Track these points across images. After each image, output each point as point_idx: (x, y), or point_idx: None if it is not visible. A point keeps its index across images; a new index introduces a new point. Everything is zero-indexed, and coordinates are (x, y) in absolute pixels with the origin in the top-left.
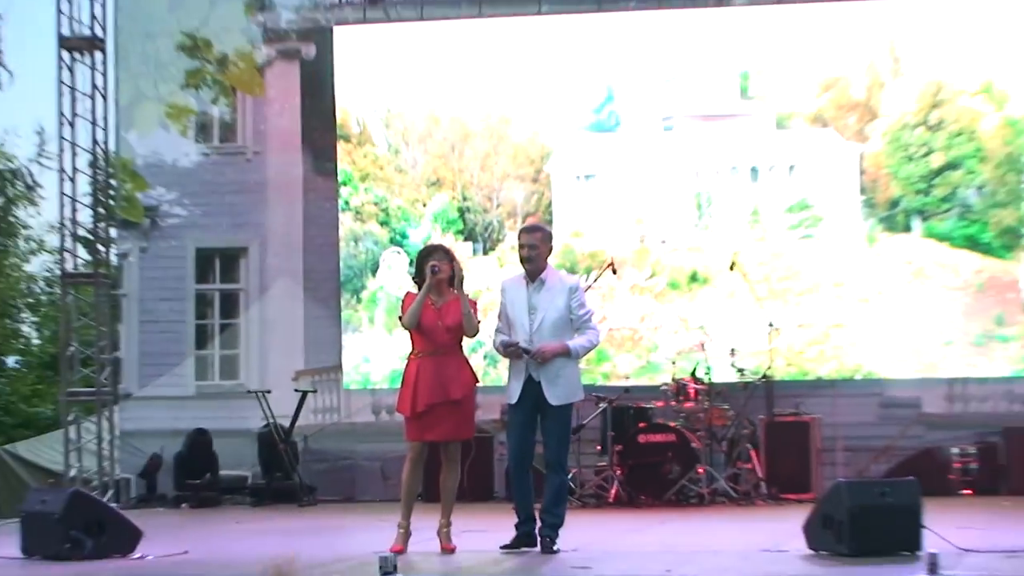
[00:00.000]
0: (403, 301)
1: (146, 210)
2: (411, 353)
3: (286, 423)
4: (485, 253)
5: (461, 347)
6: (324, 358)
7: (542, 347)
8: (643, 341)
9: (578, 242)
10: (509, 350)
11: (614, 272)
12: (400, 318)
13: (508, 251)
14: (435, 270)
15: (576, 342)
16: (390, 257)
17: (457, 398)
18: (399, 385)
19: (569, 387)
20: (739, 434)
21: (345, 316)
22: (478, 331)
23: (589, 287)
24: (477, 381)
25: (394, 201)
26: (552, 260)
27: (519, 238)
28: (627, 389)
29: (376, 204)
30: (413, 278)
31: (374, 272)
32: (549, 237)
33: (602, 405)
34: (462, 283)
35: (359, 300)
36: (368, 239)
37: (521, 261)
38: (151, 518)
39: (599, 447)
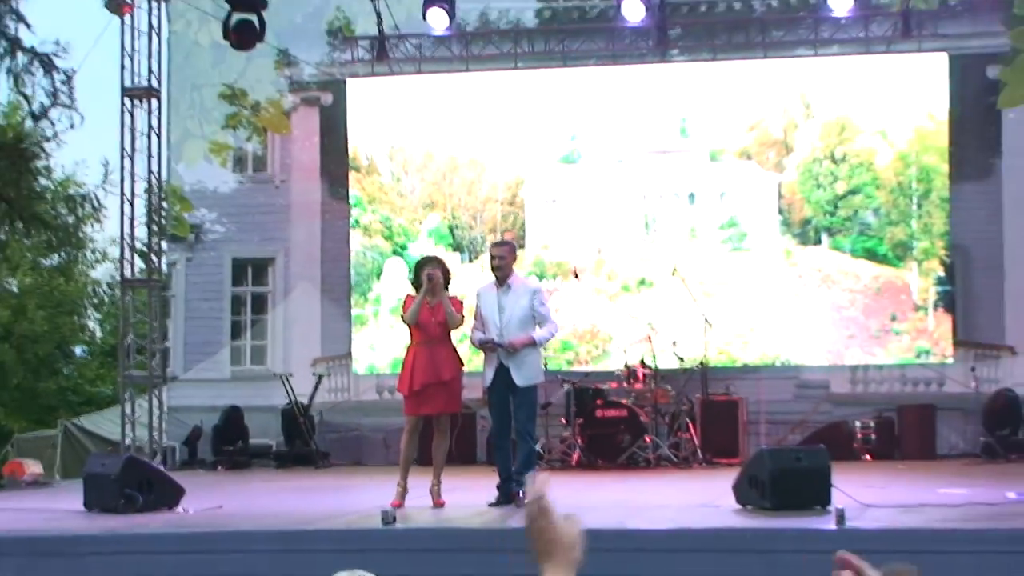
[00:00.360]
0: (404, 302)
1: (191, 227)
2: (409, 343)
3: (305, 400)
4: (470, 262)
5: (450, 338)
6: (336, 348)
7: (511, 340)
8: (600, 334)
9: (547, 253)
10: (486, 345)
11: (576, 278)
12: (402, 316)
13: (490, 260)
14: (431, 278)
15: (539, 334)
16: (392, 265)
17: (447, 379)
18: (399, 369)
19: (533, 371)
20: (679, 410)
21: (354, 314)
22: (461, 323)
23: (556, 290)
24: (463, 365)
25: (396, 220)
26: (523, 269)
27: (490, 251)
28: (587, 373)
29: (381, 222)
30: (412, 282)
31: (379, 277)
32: (514, 250)
33: (566, 386)
34: (448, 285)
35: (366, 300)
36: (374, 251)
37: (492, 270)
38: (192, 478)
39: (564, 420)
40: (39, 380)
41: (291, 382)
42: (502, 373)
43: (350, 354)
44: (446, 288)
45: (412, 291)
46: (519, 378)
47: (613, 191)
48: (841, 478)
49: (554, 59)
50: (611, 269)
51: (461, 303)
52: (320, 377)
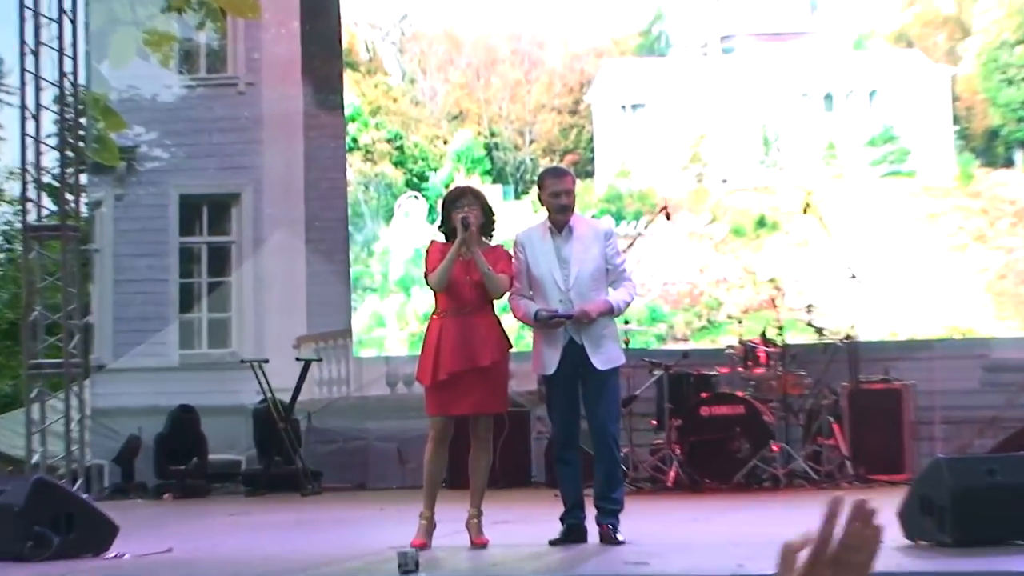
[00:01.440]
0: (427, 253)
1: (122, 152)
2: (433, 312)
3: (286, 398)
4: (517, 197)
5: (492, 306)
6: (330, 321)
7: (584, 308)
8: (703, 297)
9: (625, 183)
10: (552, 322)
11: (668, 217)
12: (426, 275)
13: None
14: (466, 222)
15: (618, 297)
16: (406, 203)
17: (486, 364)
18: (419, 351)
19: (615, 349)
20: (819, 405)
21: (354, 273)
22: (508, 288)
23: (639, 235)
24: (511, 346)
25: (410, 138)
26: (590, 206)
27: (546, 184)
28: (686, 354)
29: (389, 142)
30: (439, 227)
31: (388, 221)
32: (574, 181)
33: (657, 373)
34: (490, 232)
35: (370, 254)
36: (380, 183)
37: (555, 210)
38: (129, 511)
39: (654, 422)
40: None
41: (266, 371)
42: (571, 355)
43: (349, 331)
44: (488, 236)
45: (439, 236)
46: (599, 360)
47: (717, 93)
48: None
49: None
50: (716, 204)
51: (509, 257)
52: (308, 364)
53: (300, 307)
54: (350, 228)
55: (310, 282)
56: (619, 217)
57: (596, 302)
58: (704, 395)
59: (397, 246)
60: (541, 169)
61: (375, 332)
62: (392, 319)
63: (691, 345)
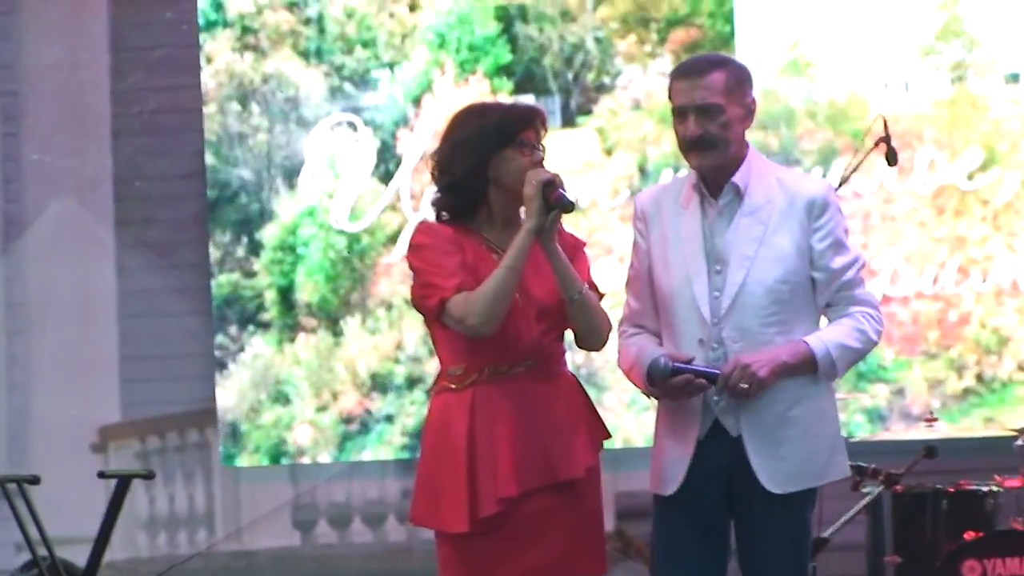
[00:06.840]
0: (417, 249)
1: None
2: (445, 378)
3: (76, 554)
4: (568, 122)
5: (563, 358)
6: (173, 393)
7: (747, 362)
8: (967, 328)
9: (799, 86)
10: (677, 383)
11: (890, 158)
12: (431, 300)
13: (629, 115)
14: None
15: (832, 337)
16: (330, 137)
17: (574, 477)
18: (416, 458)
19: (814, 451)
20: None
21: (221, 292)
22: (608, 329)
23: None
24: (608, 435)
25: (333, 4)
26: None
27: (675, 88)
28: (930, 449)
29: (291, 8)
30: (444, 190)
31: (290, 181)
32: (743, 80)
33: (869, 489)
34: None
35: (255, 250)
36: (275, 95)
37: (686, 148)
38: None
39: None
40: None
41: (33, 501)
42: (716, 459)
43: (214, 413)
44: (567, 209)
45: (428, 214)
46: (773, 473)
47: None
48: None
49: None
50: (993, 126)
51: (586, 257)
52: (124, 485)
53: (106, 364)
54: (210, 196)
55: (127, 311)
56: (784, 158)
57: (775, 350)
58: (969, 536)
59: (311, 228)
60: (618, 64)
61: (268, 413)
62: (303, 384)
63: (940, 430)
